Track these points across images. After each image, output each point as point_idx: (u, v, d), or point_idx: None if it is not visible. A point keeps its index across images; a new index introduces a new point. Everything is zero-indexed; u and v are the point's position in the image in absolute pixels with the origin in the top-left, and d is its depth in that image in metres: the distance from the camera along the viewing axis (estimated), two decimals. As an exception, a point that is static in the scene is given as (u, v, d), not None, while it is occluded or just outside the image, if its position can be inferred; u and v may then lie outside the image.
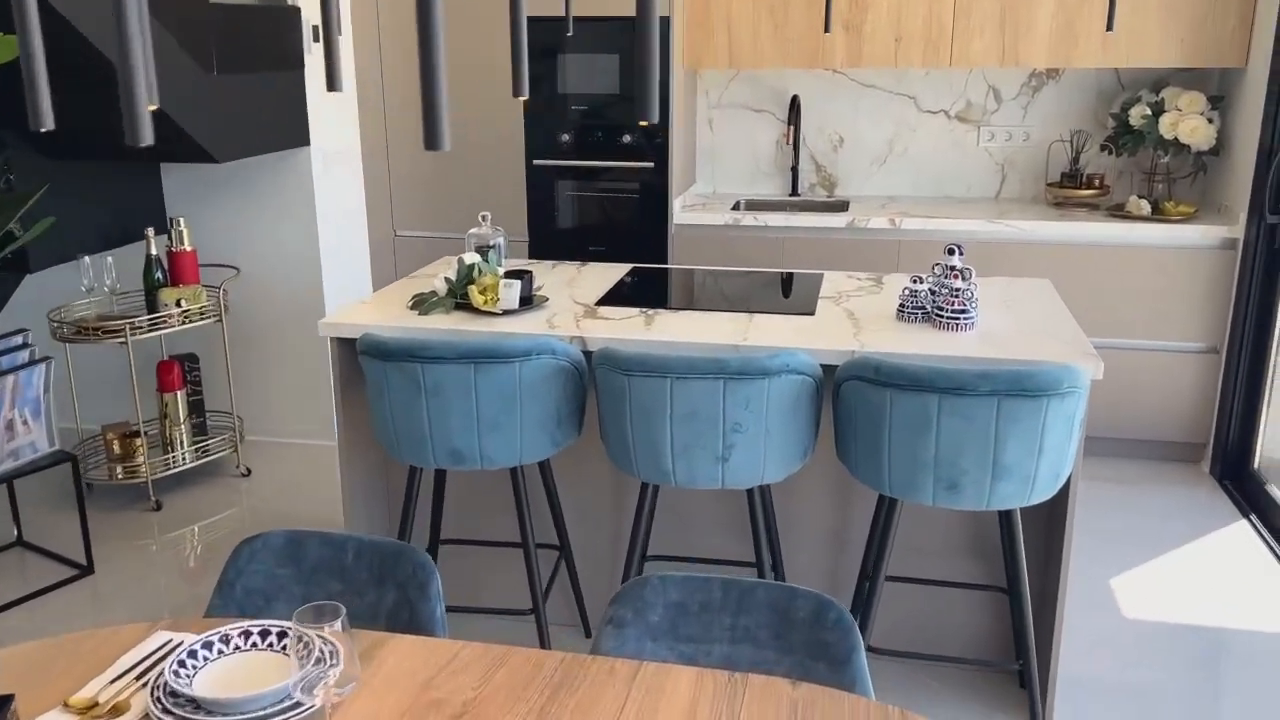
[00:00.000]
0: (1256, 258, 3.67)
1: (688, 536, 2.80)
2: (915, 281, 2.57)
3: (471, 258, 2.75)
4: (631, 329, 2.50)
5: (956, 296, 2.48)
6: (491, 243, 2.92)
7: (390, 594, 1.64)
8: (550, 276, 3.06)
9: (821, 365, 2.38)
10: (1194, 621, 2.96)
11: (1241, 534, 3.47)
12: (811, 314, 2.64)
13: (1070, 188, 4.08)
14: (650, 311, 2.66)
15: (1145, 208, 3.85)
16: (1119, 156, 4.10)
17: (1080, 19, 3.83)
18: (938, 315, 2.50)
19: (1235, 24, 3.74)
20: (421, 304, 2.66)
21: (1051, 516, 2.53)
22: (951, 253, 2.56)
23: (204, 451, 3.92)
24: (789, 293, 2.86)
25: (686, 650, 1.54)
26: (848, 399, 2.22)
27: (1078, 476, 2.34)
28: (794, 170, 4.50)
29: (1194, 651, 2.82)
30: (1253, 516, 3.58)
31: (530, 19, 4.08)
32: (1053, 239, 3.87)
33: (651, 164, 4.10)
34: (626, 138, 4.11)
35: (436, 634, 1.60)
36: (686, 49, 4.15)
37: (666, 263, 4.18)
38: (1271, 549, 3.36)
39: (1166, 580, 3.18)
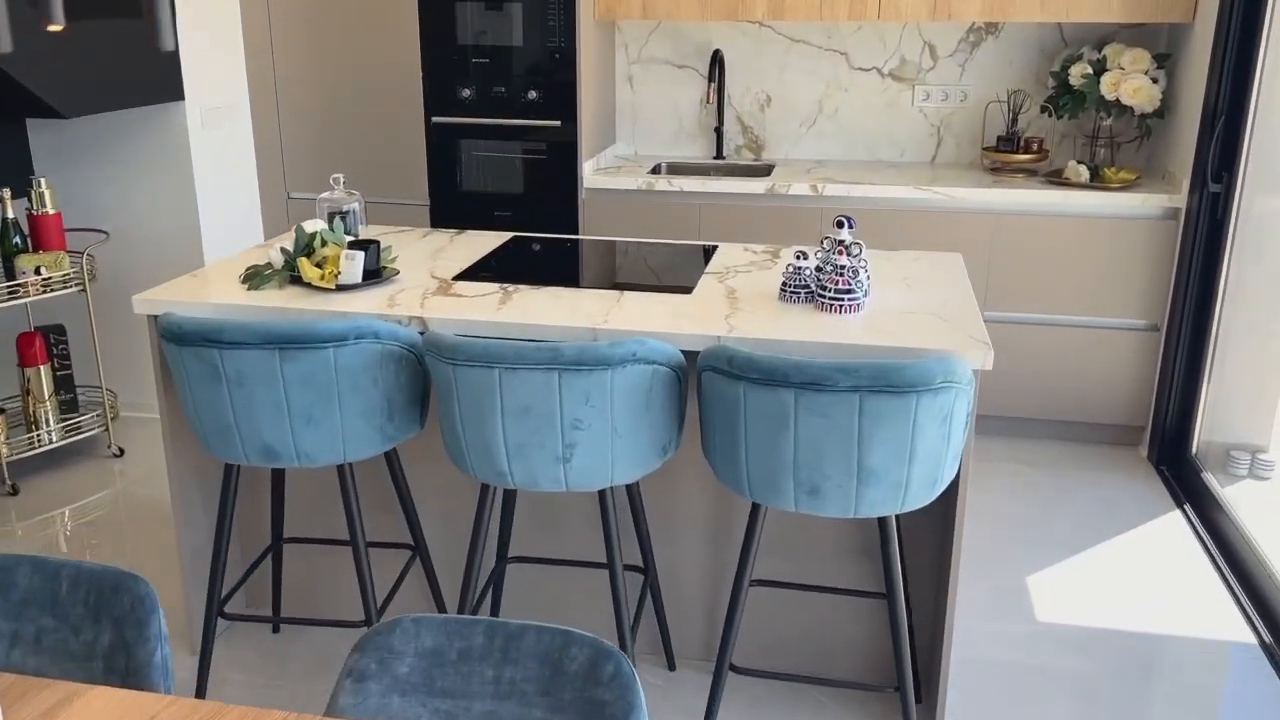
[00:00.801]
0: (1198, 229, 3.42)
1: (557, 535, 2.55)
2: (799, 258, 2.31)
3: (314, 225, 2.47)
4: (480, 309, 2.23)
5: (841, 275, 2.22)
6: (345, 208, 2.64)
7: (106, 633, 1.39)
8: (417, 246, 2.78)
9: (690, 351, 2.13)
10: (1113, 626, 2.74)
11: (1174, 526, 3.25)
12: (689, 292, 2.38)
13: (1006, 152, 3.82)
14: (511, 288, 2.39)
15: (1084, 174, 3.59)
16: (1059, 119, 3.83)
17: (1018, -31, 3.54)
18: (820, 296, 2.24)
19: (1183, -24, 3.46)
20: (253, 278, 2.38)
21: (948, 514, 2.30)
22: (840, 225, 2.29)
23: (73, 430, 3.64)
24: (674, 267, 2.59)
25: (442, 707, 1.29)
26: (707, 392, 1.97)
27: (966, 481, 2.10)
28: (718, 132, 4.21)
29: (1112, 660, 2.60)
30: (1187, 507, 3.36)
31: (426, -36, 3.77)
32: (986, 207, 3.61)
33: (559, 123, 3.80)
34: (532, 94, 3.81)
35: (154, 682, 1.35)
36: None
37: (577, 231, 3.91)
38: (1203, 543, 3.14)
39: (1089, 579, 2.96)
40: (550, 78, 3.77)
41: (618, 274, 2.54)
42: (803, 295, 2.29)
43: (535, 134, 3.85)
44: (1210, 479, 3.36)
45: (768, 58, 4.14)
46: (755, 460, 1.89)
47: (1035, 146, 3.81)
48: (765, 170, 4.10)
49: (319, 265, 2.39)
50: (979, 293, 3.68)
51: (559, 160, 3.85)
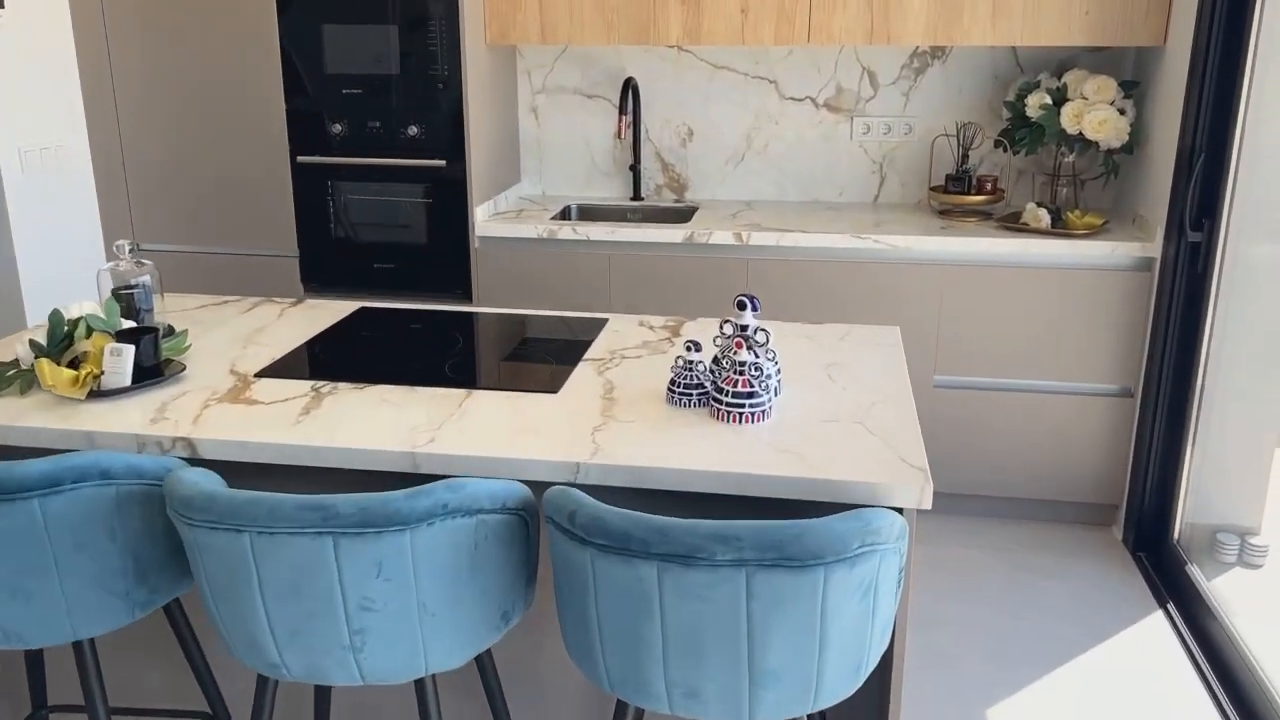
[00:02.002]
0: (1176, 282, 2.97)
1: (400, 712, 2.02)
2: (692, 349, 1.81)
3: (82, 308, 1.94)
4: (270, 424, 1.71)
5: (741, 373, 1.73)
6: (134, 282, 2.10)
7: None
8: (233, 325, 2.25)
9: (545, 482, 1.62)
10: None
11: (1156, 631, 2.78)
12: (555, 392, 1.87)
13: (957, 193, 3.35)
14: (327, 388, 1.88)
15: (1044, 218, 3.14)
16: (1016, 154, 3.38)
17: (965, -15, 3.09)
18: (716, 400, 1.74)
19: (1152, -7, 3.03)
20: (-10, 381, 1.84)
21: (883, 688, 1.80)
22: (742, 306, 1.80)
23: None
24: (550, 350, 2.09)
25: None
26: (553, 550, 1.46)
27: (901, 657, 1.61)
28: (634, 170, 3.72)
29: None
30: (1170, 606, 2.89)
31: (286, -20, 3.25)
32: (934, 257, 3.15)
33: (444, 162, 3.29)
34: (413, 129, 3.30)
35: None
36: (490, 18, 3.35)
37: (469, 286, 3.39)
38: (1190, 653, 2.67)
39: (1057, 705, 2.47)
40: (433, 111, 3.27)
41: (477, 362, 2.03)
42: (695, 397, 1.79)
43: (418, 175, 3.33)
44: (1195, 572, 2.90)
45: (688, 86, 3.66)
46: (613, 650, 1.39)
47: (989, 186, 3.35)
48: (688, 213, 3.62)
49: (75, 364, 1.85)
50: (928, 353, 3.21)
51: (447, 205, 3.34)
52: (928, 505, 1.50)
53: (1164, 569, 3.06)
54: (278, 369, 1.97)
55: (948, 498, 3.38)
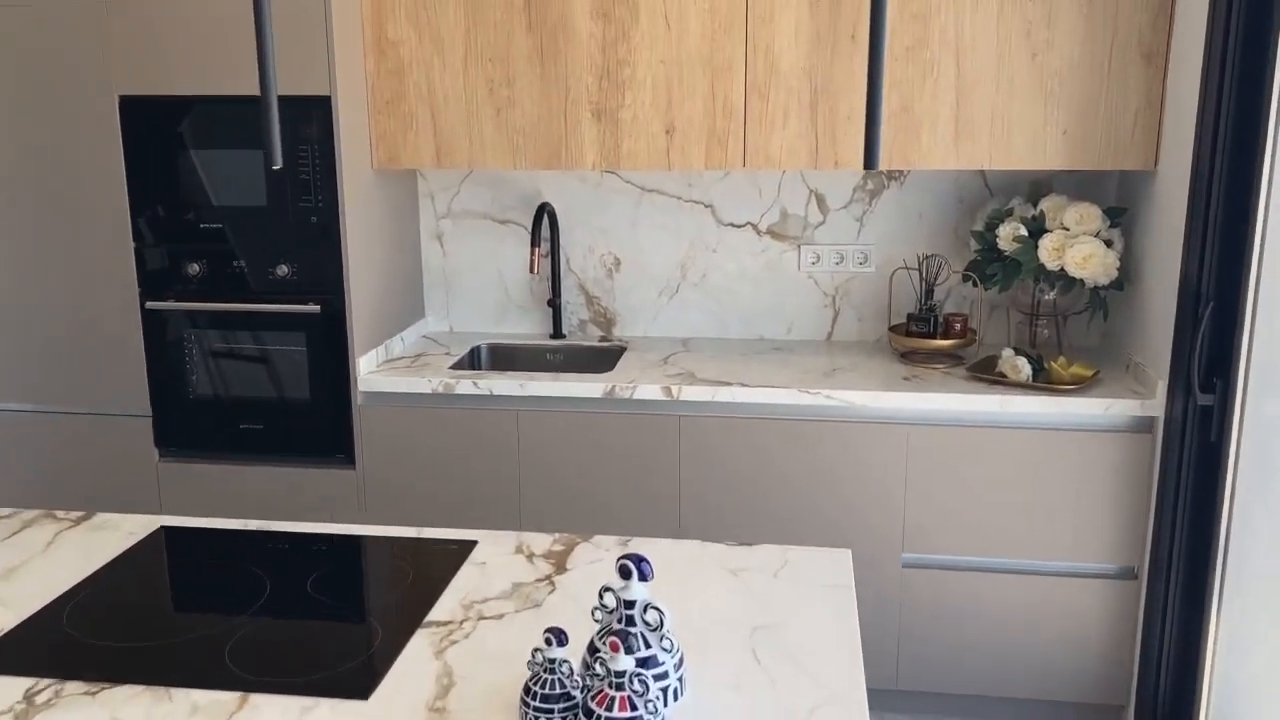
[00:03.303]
0: (1186, 447, 2.50)
1: None
2: (554, 641, 1.29)
3: None
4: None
5: (619, 688, 1.21)
6: None
7: None
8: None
9: None
10: None
11: None
12: (366, 696, 1.34)
13: (921, 335, 2.89)
14: (49, 692, 1.34)
15: (1024, 369, 2.67)
16: (988, 290, 2.93)
17: (919, 102, 2.67)
18: (583, 728, 1.22)
19: (1139, 109, 2.61)
20: None
21: None
22: (626, 574, 1.29)
23: None
24: (381, 602, 1.56)
25: None
26: None
27: None
28: (553, 306, 3.24)
29: None
30: None
31: (131, 99, 2.78)
32: (897, 414, 2.67)
33: (317, 308, 2.80)
34: (282, 268, 2.81)
35: None
36: (377, 140, 2.89)
37: (352, 451, 2.87)
38: None
39: None
40: (308, 247, 2.78)
41: (274, 634, 1.50)
42: (558, 714, 1.27)
43: (290, 321, 2.83)
44: (1226, 805, 2.37)
45: (614, 210, 3.21)
46: None
47: (958, 327, 2.89)
48: (615, 353, 3.14)
49: None
50: (893, 527, 2.71)
51: (326, 354, 2.84)
52: None
53: (1185, 795, 2.53)
54: (-5, 654, 1.44)
55: (918, 698, 2.85)
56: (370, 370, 2.88)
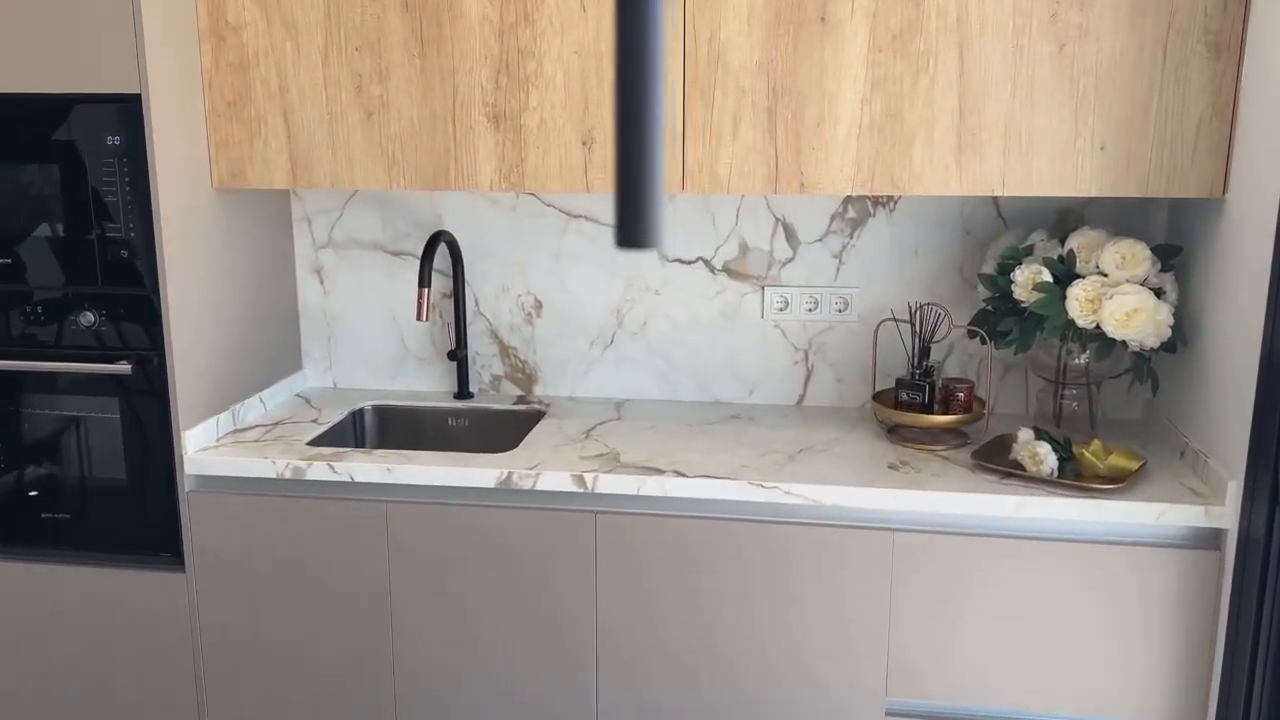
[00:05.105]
0: (1269, 574, 1.84)
1: None
2: None
3: None
4: None
5: None
6: None
7: None
8: None
9: None
10: None
11: None
12: None
13: (913, 408, 2.24)
14: None
15: (1047, 459, 2.02)
16: (1000, 348, 2.29)
17: (911, 107, 2.03)
18: None
19: (1203, 118, 1.96)
20: None
21: None
22: None
23: None
24: None
25: None
26: None
27: None
28: (456, 358, 2.60)
29: None
30: None
31: (-111, 96, 2.16)
32: (878, 516, 2.02)
33: (128, 367, 2.16)
34: (87, 315, 2.18)
35: None
36: (217, 153, 2.26)
37: (181, 548, 2.23)
38: None
39: None
40: (117, 288, 2.16)
41: None
42: None
43: (96, 385, 2.20)
44: None
45: (532, 241, 2.57)
46: None
47: (961, 397, 2.24)
48: (533, 418, 2.51)
49: None
50: (876, 664, 2.06)
51: (145, 426, 2.21)
52: None
53: None
54: None
55: None
56: (204, 446, 2.25)
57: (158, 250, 2.12)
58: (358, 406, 2.57)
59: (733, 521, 2.05)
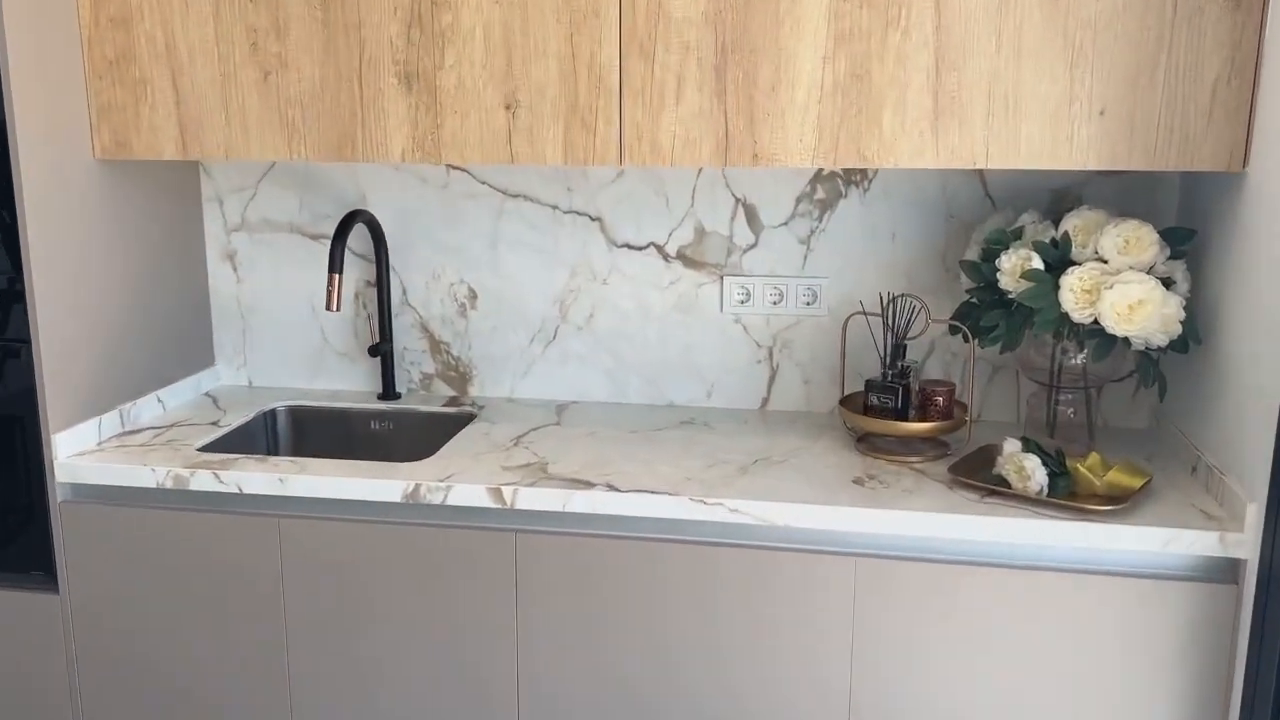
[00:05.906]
0: (1290, 615, 1.56)
1: None
2: None
3: None
4: None
5: None
6: None
7: None
8: None
9: None
10: None
11: None
12: None
13: (884, 414, 1.97)
14: None
15: (1036, 476, 1.74)
16: (984, 346, 2.01)
17: (880, 66, 1.75)
18: None
19: (1220, 78, 1.68)
20: None
21: None
22: None
23: None
24: None
25: None
26: None
27: None
28: (380, 353, 2.34)
29: None
30: None
31: None
32: (839, 539, 1.75)
33: (-12, 363, 1.91)
34: (-57, 305, 1.92)
35: None
36: (99, 119, 2.00)
37: (53, 566, 1.98)
38: None
39: None
40: (-22, 272, 1.90)
41: None
42: None
43: (-42, 380, 1.95)
44: None
45: (466, 223, 2.31)
46: None
47: (939, 403, 1.96)
48: (463, 420, 2.24)
49: None
50: (834, 709, 1.78)
51: (10, 430, 1.95)
52: None
53: None
54: None
55: None
56: (79, 451, 1.98)
57: (21, 232, 1.86)
58: (268, 407, 2.31)
59: (669, 543, 1.77)
